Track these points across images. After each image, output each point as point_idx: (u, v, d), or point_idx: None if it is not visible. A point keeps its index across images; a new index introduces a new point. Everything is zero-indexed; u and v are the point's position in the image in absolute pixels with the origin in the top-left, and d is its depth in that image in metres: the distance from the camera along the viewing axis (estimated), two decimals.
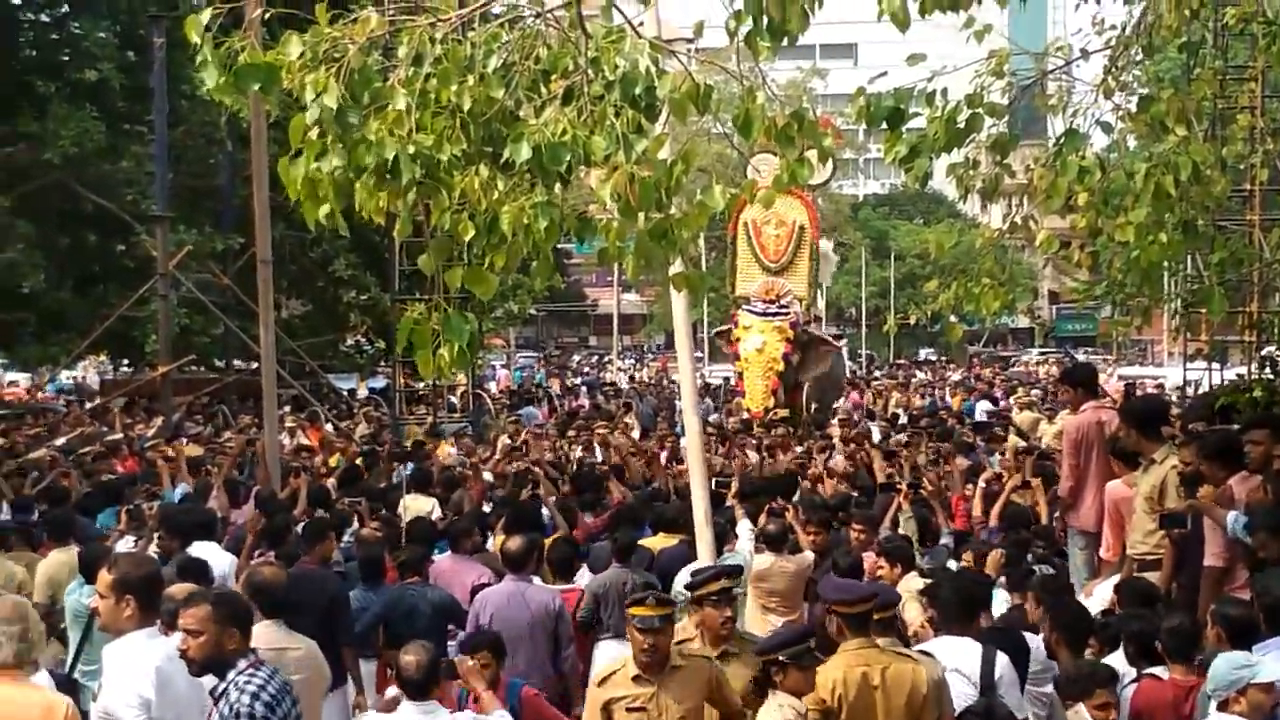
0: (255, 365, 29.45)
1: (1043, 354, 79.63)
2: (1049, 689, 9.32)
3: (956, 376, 57.69)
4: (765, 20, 6.40)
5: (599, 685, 8.68)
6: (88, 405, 34.10)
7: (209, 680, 7.58)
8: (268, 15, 6.82)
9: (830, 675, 8.25)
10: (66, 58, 34.92)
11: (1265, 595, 8.75)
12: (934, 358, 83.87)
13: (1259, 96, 22.75)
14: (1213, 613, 8.83)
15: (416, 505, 16.29)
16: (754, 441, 23.60)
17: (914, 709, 8.27)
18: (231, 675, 7.42)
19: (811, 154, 7.05)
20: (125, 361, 41.38)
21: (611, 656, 11.06)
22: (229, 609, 7.60)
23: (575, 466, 20.79)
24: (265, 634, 8.72)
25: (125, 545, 13.04)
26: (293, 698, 7.66)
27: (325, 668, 9.17)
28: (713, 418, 30.95)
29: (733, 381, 34.53)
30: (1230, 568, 10.22)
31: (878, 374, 61.05)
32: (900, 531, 14.11)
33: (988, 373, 60.62)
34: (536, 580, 12.23)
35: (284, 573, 9.36)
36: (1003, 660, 9.18)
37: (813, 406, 30.92)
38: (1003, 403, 38.98)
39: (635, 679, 8.49)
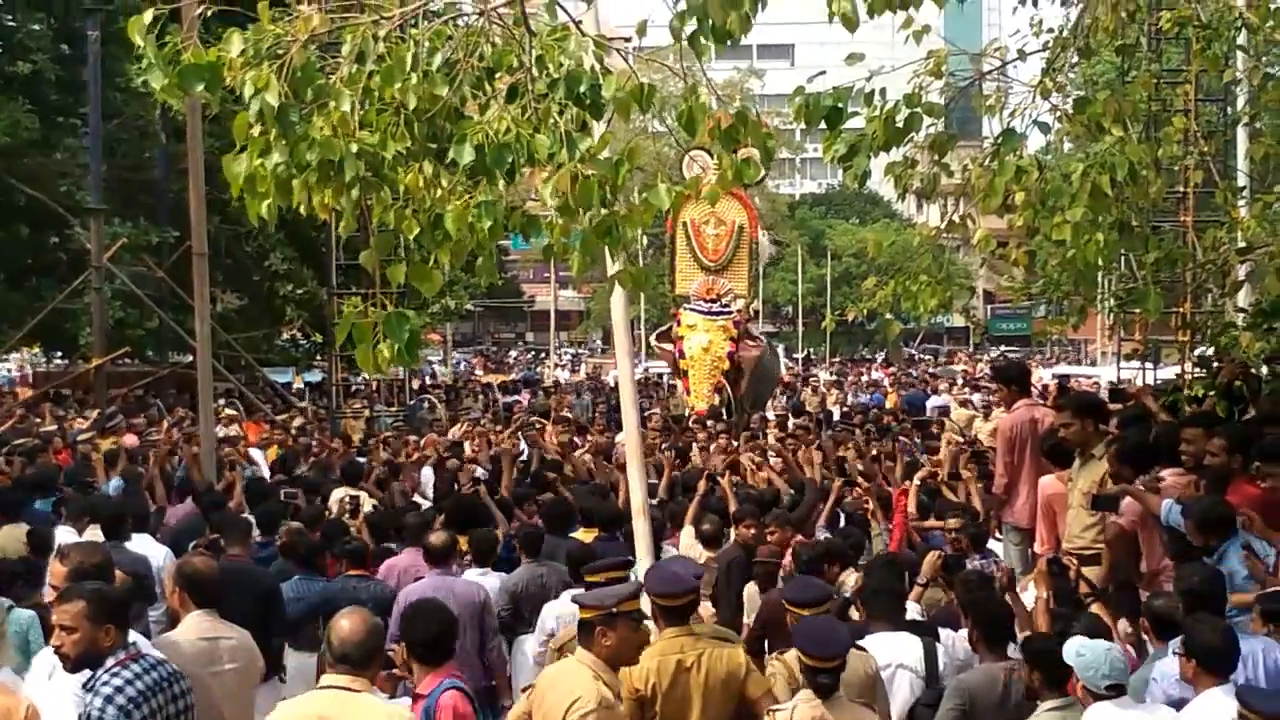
0: (190, 359, 29.29)
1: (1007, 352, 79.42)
2: None
3: (876, 375, 57.87)
4: (708, 22, 6.42)
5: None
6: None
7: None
8: (209, 14, 6.78)
9: (645, 665, 8.27)
10: (0, 50, 34.63)
11: (1183, 586, 8.89)
12: (869, 356, 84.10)
13: (1193, 100, 22.98)
14: (1144, 605, 8.95)
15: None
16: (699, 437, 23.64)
17: (731, 689, 8.34)
18: (99, 673, 7.27)
19: (754, 153, 7.10)
20: (59, 355, 41.03)
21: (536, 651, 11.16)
22: (104, 605, 7.41)
23: (527, 462, 20.81)
24: (197, 624, 8.63)
25: (66, 534, 12.92)
26: (176, 690, 7.50)
27: (259, 658, 9.07)
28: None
29: (671, 379, 34.54)
30: (1137, 539, 10.36)
31: (822, 374, 61.07)
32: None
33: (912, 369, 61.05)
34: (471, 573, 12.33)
35: (215, 563, 9.27)
36: (942, 651, 9.36)
37: (748, 403, 31.06)
38: (938, 399, 39.39)
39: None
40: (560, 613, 10.96)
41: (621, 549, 12.36)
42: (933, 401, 38.71)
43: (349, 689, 7.12)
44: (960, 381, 49.14)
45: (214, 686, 8.29)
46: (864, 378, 56.30)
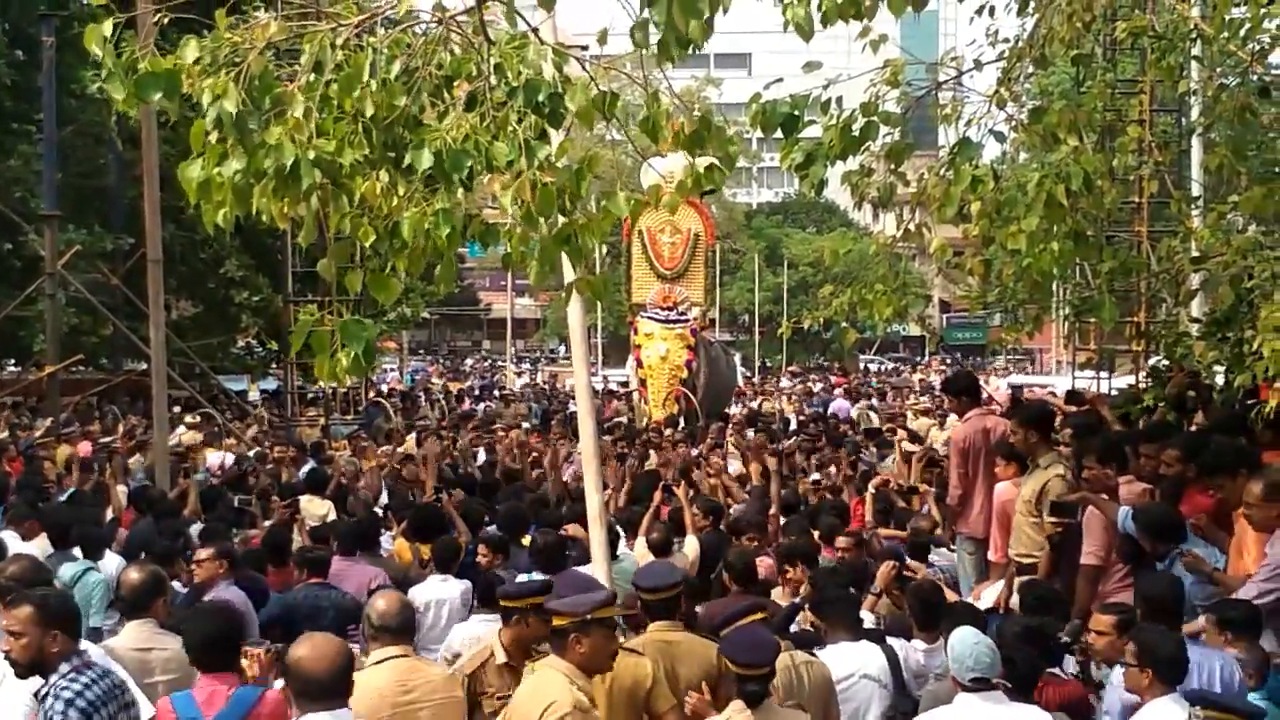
0: (145, 366, 29.14)
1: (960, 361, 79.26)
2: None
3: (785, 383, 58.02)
4: (670, 31, 6.38)
5: None
6: None
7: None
8: (165, 21, 6.74)
9: None
10: None
11: (1144, 592, 8.94)
12: (824, 364, 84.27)
13: (1148, 110, 23.09)
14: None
15: (312, 508, 16.20)
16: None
17: (636, 700, 8.30)
18: (53, 679, 7.25)
19: (714, 159, 7.09)
20: (12, 362, 40.80)
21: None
22: (51, 610, 7.42)
23: (480, 470, 20.83)
24: (135, 634, 8.63)
25: (9, 538, 12.82)
26: (125, 700, 7.50)
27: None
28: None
29: (633, 387, 34.64)
30: (1106, 566, 10.40)
31: (785, 382, 61.11)
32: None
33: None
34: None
35: (147, 572, 9.18)
36: (903, 659, 9.37)
37: (704, 412, 31.09)
38: (842, 404, 40.17)
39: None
40: (467, 635, 10.84)
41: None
42: (835, 405, 39.35)
43: (405, 656, 7.94)
44: (918, 390, 49.42)
45: (146, 698, 8.24)
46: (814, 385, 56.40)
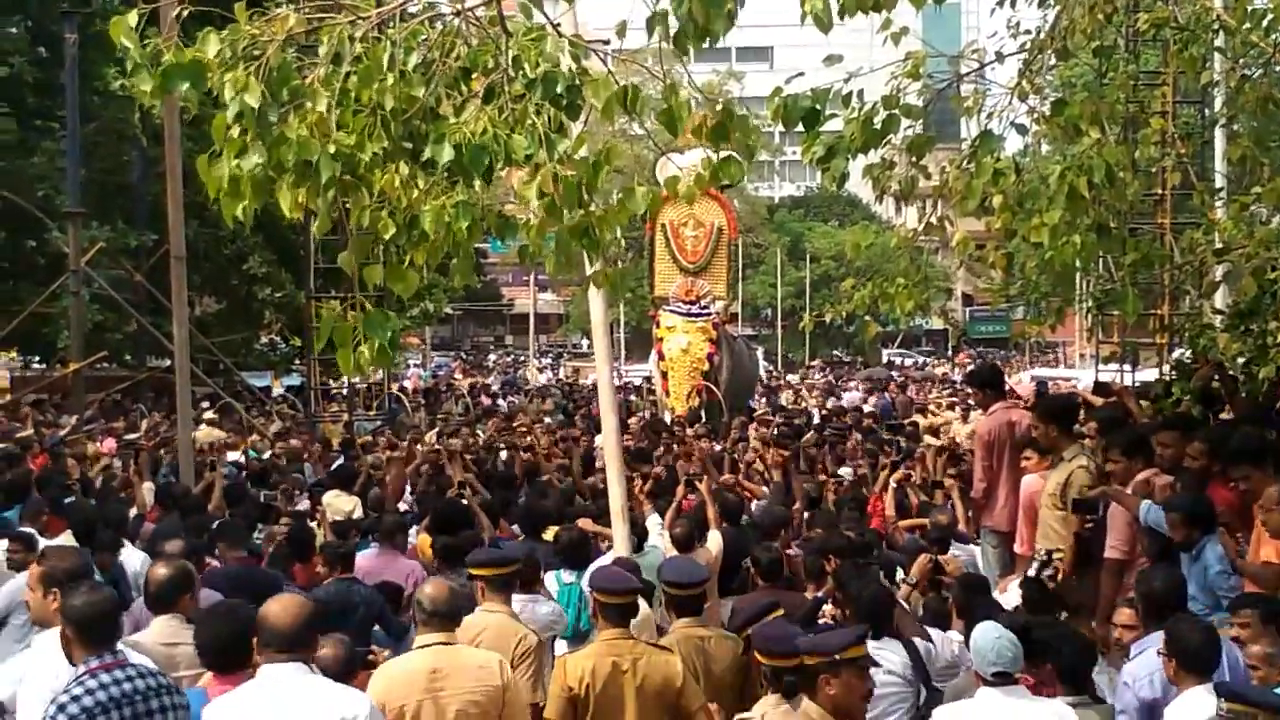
0: (169, 362, 29.21)
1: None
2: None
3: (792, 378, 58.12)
4: (690, 23, 6.37)
5: None
6: None
7: None
8: (186, 13, 6.74)
9: (580, 664, 8.35)
10: None
11: (1143, 589, 8.90)
12: (845, 359, 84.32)
13: (1170, 102, 23.01)
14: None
15: (338, 503, 16.19)
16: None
17: (667, 698, 8.29)
18: (66, 679, 7.17)
19: (733, 152, 7.09)
20: (37, 359, 40.92)
21: None
22: (67, 608, 7.32)
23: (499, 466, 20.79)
24: (162, 628, 8.62)
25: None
26: (155, 705, 7.17)
27: None
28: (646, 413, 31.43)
29: (655, 381, 34.63)
30: (1130, 560, 10.37)
31: (792, 376, 61.12)
32: None
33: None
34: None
35: (175, 568, 9.16)
36: (924, 648, 9.33)
37: (727, 406, 31.07)
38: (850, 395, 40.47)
39: None
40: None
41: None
42: (848, 398, 39.72)
43: (447, 643, 8.20)
44: (939, 382, 49.45)
45: None
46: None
